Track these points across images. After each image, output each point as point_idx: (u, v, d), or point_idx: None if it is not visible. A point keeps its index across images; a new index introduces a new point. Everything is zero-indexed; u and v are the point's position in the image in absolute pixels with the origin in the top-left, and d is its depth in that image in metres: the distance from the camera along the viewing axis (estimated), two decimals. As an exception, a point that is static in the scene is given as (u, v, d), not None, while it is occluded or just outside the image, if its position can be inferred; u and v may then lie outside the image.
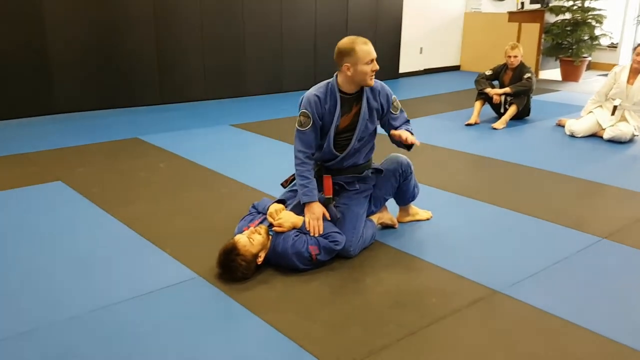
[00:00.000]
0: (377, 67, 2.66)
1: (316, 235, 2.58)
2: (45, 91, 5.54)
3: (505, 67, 5.52)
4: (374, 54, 2.63)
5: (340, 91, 2.69)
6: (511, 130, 5.32)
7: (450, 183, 3.77)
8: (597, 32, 8.36)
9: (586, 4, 8.28)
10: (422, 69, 8.95)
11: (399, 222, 3.08)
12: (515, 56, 5.38)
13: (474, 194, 3.56)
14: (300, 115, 2.68)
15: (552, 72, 8.85)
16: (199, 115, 5.84)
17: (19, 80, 5.37)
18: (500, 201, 3.44)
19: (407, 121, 2.89)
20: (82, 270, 2.56)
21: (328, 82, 2.71)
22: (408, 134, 2.73)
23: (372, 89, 2.74)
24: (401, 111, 2.85)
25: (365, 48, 2.60)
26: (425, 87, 7.82)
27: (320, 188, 2.77)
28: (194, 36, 6.32)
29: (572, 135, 5.08)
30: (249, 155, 4.45)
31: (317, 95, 2.67)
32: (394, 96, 2.82)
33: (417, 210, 3.14)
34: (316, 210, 2.63)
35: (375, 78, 2.72)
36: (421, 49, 8.83)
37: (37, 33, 5.38)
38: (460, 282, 2.49)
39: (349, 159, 2.78)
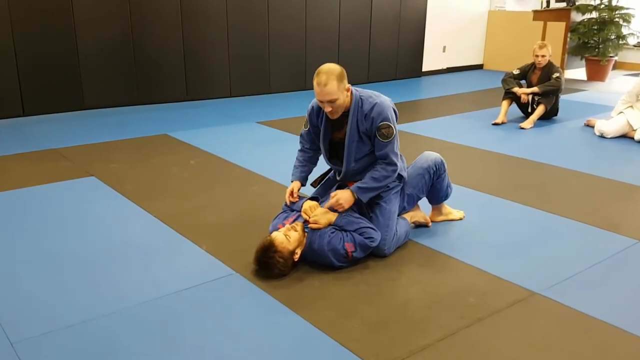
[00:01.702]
0: (329, 109, 2.55)
1: (288, 203, 2.78)
2: (74, 87, 5.61)
3: (533, 66, 5.46)
4: (321, 98, 2.52)
5: None
6: (539, 130, 5.27)
7: (480, 182, 3.75)
8: (624, 31, 8.25)
9: (613, 3, 8.18)
10: (445, 67, 8.90)
11: (431, 221, 3.08)
12: (543, 55, 5.32)
13: (505, 194, 3.54)
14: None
15: (578, 72, 8.74)
16: (225, 112, 5.88)
17: (49, 77, 5.45)
18: (532, 202, 3.42)
19: (386, 159, 2.62)
20: (121, 265, 2.59)
21: None
22: (334, 201, 2.59)
23: (361, 110, 2.61)
24: (390, 142, 2.60)
25: (316, 89, 2.52)
26: (448, 85, 7.78)
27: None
28: (219, 34, 6.36)
29: (601, 136, 5.02)
30: (278, 152, 4.46)
31: (312, 107, 2.78)
32: (384, 122, 2.58)
33: (450, 209, 3.13)
34: (292, 185, 2.82)
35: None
36: (444, 47, 8.78)
37: (66, 30, 5.45)
38: (497, 282, 2.48)
39: (356, 175, 2.75)
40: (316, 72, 2.55)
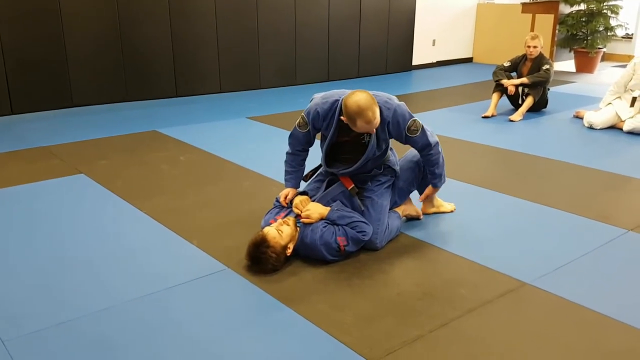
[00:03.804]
0: (373, 132, 2.57)
1: (283, 203, 2.77)
2: (63, 85, 5.57)
3: (524, 58, 5.49)
4: (373, 128, 2.52)
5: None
6: (529, 122, 5.30)
7: (471, 175, 3.77)
8: (612, 22, 8.29)
9: (601, -5, 8.21)
10: (435, 61, 8.91)
11: (423, 213, 3.09)
12: (535, 46, 5.34)
13: (496, 186, 3.56)
14: (300, 117, 2.76)
15: (567, 64, 8.79)
16: (215, 108, 5.86)
17: (37, 75, 5.40)
18: (522, 193, 3.44)
19: (425, 148, 2.71)
20: (112, 262, 2.58)
21: (335, 101, 2.63)
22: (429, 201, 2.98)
23: (382, 119, 2.59)
24: (422, 132, 2.67)
25: (366, 127, 2.48)
26: (438, 79, 7.80)
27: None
28: (208, 29, 6.33)
29: (590, 127, 5.05)
30: (268, 147, 4.45)
31: (318, 111, 2.68)
32: (410, 120, 2.64)
33: (442, 202, 3.14)
34: (286, 190, 2.83)
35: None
36: (434, 41, 8.79)
37: (54, 27, 5.40)
38: (488, 273, 2.50)
39: (357, 174, 2.76)
40: (355, 110, 2.44)
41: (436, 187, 2.89)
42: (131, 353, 1.94)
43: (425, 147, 2.73)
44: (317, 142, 2.83)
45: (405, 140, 2.69)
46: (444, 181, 2.89)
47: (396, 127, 2.63)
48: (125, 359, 1.92)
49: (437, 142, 2.76)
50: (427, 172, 2.87)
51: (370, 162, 2.74)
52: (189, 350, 1.96)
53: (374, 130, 2.56)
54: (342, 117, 2.56)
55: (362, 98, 2.47)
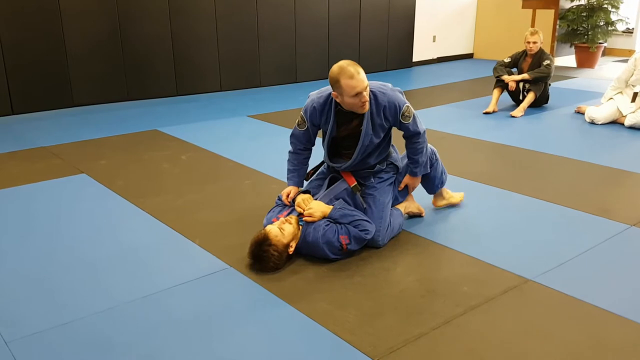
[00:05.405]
0: (367, 98, 2.51)
1: (287, 202, 2.75)
2: (63, 84, 5.57)
3: (524, 53, 5.47)
4: (360, 87, 2.45)
5: (339, 105, 2.62)
6: (530, 118, 5.29)
7: (473, 171, 3.76)
8: (613, 17, 8.26)
9: (602, -11, 8.19)
10: (435, 57, 8.90)
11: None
12: (535, 42, 5.33)
13: (498, 183, 3.55)
14: (299, 116, 2.77)
15: (567, 59, 8.77)
16: (215, 107, 5.85)
17: (37, 74, 5.40)
18: (524, 189, 3.43)
19: (418, 134, 2.69)
20: (115, 262, 2.58)
21: (330, 94, 2.64)
22: (409, 187, 2.87)
23: (377, 104, 2.61)
24: (414, 119, 2.67)
25: (351, 83, 2.44)
26: (439, 75, 7.78)
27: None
28: (208, 28, 6.32)
29: (592, 123, 5.04)
30: (270, 146, 4.45)
31: (314, 107, 2.69)
32: (405, 105, 2.64)
33: (451, 193, 3.15)
34: (288, 188, 2.82)
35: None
36: (434, 37, 8.78)
37: (54, 26, 5.40)
38: (490, 270, 2.49)
39: (356, 165, 2.76)
40: (338, 72, 2.46)
41: (415, 175, 2.84)
42: (134, 354, 1.94)
43: (415, 135, 2.73)
44: (319, 140, 2.82)
45: (399, 126, 2.69)
46: (427, 171, 2.87)
47: (393, 110, 2.63)
48: None
49: (425, 131, 2.76)
50: (408, 161, 2.82)
51: (371, 155, 2.73)
52: (191, 349, 1.96)
53: (366, 99, 2.51)
54: (332, 94, 2.56)
55: (342, 61, 2.52)
